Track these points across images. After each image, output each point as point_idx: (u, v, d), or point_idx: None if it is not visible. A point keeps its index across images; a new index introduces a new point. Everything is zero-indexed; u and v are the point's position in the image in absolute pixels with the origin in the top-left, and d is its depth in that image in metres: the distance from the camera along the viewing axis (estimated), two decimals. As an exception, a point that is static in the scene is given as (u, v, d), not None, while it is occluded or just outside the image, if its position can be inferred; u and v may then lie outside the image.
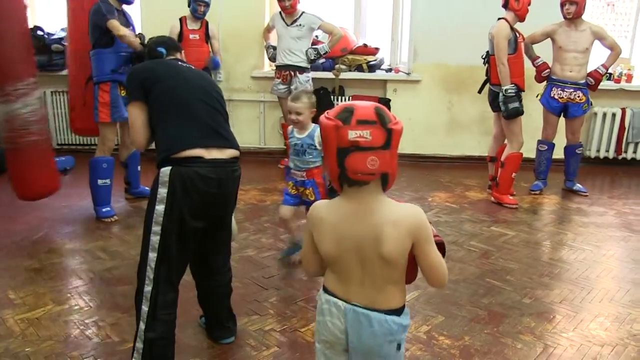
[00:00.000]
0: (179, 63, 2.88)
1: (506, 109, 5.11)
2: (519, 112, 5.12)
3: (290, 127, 3.79)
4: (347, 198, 1.69)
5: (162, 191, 2.46)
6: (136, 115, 2.66)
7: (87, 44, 4.62)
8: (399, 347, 1.79)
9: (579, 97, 5.52)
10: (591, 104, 5.70)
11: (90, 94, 4.66)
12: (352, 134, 1.58)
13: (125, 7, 4.76)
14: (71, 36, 4.94)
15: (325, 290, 1.80)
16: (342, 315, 1.74)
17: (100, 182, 4.69)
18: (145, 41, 4.56)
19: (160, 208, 2.47)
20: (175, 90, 2.64)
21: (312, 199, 3.64)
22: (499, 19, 5.21)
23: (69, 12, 4.87)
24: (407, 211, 1.68)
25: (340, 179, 1.64)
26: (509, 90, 5.08)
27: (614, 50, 5.56)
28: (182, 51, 3.13)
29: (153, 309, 2.49)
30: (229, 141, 2.64)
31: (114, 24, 4.41)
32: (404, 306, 1.80)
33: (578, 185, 5.88)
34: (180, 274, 2.63)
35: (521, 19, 5.20)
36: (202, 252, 2.78)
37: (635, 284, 3.81)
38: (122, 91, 4.63)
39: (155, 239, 2.50)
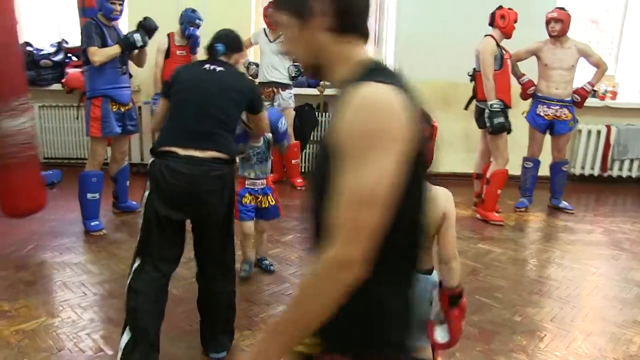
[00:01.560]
0: (207, 67, 2.94)
1: (492, 124, 5.08)
2: (504, 127, 5.10)
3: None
4: None
5: (148, 180, 2.74)
6: (160, 107, 3.04)
7: None
8: (431, 303, 2.17)
9: (565, 114, 5.52)
10: (577, 121, 5.70)
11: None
12: None
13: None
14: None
15: None
16: None
17: (89, 196, 4.62)
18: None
19: (145, 194, 2.76)
20: (181, 93, 2.88)
21: (273, 203, 3.85)
22: (486, 35, 5.19)
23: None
24: (438, 191, 2.07)
25: None
26: (494, 105, 5.05)
27: (600, 68, 5.57)
28: (242, 51, 3.21)
29: (132, 279, 2.73)
30: (213, 143, 2.74)
31: (92, 51, 4.40)
32: (433, 269, 2.24)
33: (564, 202, 5.85)
34: (165, 261, 2.76)
35: (507, 36, 5.20)
36: (197, 257, 2.93)
37: (626, 303, 3.76)
38: (114, 106, 4.62)
39: (140, 222, 2.79)
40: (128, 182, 5.22)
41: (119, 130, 4.69)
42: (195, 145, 2.70)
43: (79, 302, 3.50)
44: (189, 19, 5.56)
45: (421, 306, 2.05)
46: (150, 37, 4.77)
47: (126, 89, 4.72)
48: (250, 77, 6.21)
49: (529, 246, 4.88)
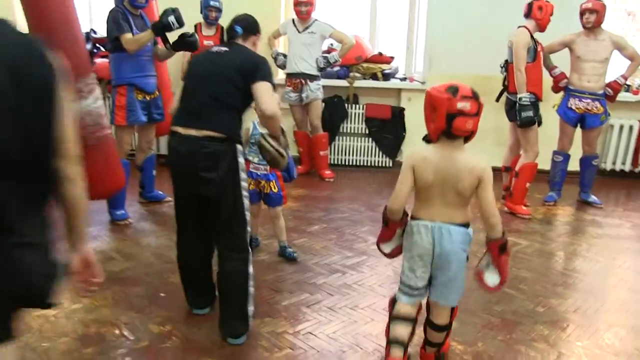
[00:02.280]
0: (216, 50, 3.07)
1: (520, 117, 5.09)
2: (532, 121, 5.11)
3: (252, 123, 3.92)
4: (442, 146, 2.47)
5: None
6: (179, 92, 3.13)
7: None
8: (467, 258, 2.60)
9: (596, 107, 5.47)
10: (609, 115, 5.65)
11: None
12: (460, 105, 2.35)
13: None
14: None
15: (414, 218, 2.58)
16: (429, 232, 2.51)
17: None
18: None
19: None
20: (190, 77, 3.08)
21: (275, 190, 3.95)
22: (519, 27, 5.20)
23: None
24: (479, 162, 2.47)
25: (443, 133, 2.42)
26: (524, 99, 5.06)
27: (634, 61, 5.48)
28: (259, 34, 3.25)
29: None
30: (208, 122, 2.85)
31: (126, 39, 4.47)
32: (469, 223, 2.57)
33: (593, 197, 5.83)
34: (186, 231, 3.18)
35: (542, 28, 5.18)
36: (211, 236, 3.12)
37: (651, 297, 3.77)
38: (139, 95, 4.69)
39: None
40: (155, 172, 5.30)
41: (144, 119, 4.75)
42: (193, 124, 2.85)
43: (101, 289, 3.47)
44: (206, 4, 5.65)
45: (448, 249, 2.51)
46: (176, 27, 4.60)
47: (152, 78, 4.78)
48: (278, 66, 6.35)
49: (555, 239, 4.88)
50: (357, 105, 6.83)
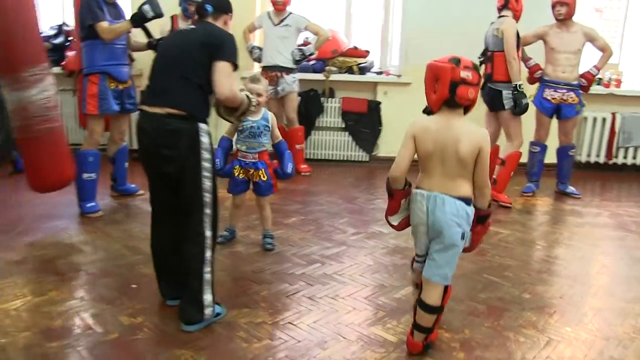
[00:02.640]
0: (184, 29, 3.09)
1: (518, 104, 5.09)
2: (527, 107, 5.17)
3: None
4: (442, 116, 2.54)
5: None
6: None
7: None
8: (462, 236, 2.58)
9: (571, 98, 5.47)
10: (584, 105, 5.64)
11: (80, 85, 4.55)
12: (463, 74, 2.46)
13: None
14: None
15: (417, 188, 2.62)
16: (425, 200, 2.56)
17: (85, 175, 4.51)
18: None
19: None
20: (157, 56, 3.01)
21: (265, 179, 3.87)
22: (501, 16, 5.21)
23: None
24: (478, 129, 2.57)
25: (445, 102, 2.50)
26: (522, 86, 5.10)
27: (606, 52, 5.54)
28: (231, 13, 3.15)
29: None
30: (170, 100, 2.80)
31: (102, 27, 4.31)
32: (470, 200, 2.58)
33: (571, 187, 5.80)
34: (158, 216, 3.10)
35: (517, 19, 5.18)
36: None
37: (634, 280, 3.72)
38: (112, 84, 4.53)
39: None
40: (127, 164, 5.11)
41: (116, 108, 4.58)
42: (157, 102, 2.82)
43: (68, 281, 3.40)
44: None
45: (439, 218, 2.54)
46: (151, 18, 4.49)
47: (125, 66, 4.62)
48: (254, 59, 6.23)
49: (536, 228, 4.83)
50: (333, 99, 6.72)
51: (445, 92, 2.47)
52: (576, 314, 3.22)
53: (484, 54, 5.36)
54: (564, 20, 5.41)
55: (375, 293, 3.37)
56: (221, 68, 2.80)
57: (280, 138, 3.97)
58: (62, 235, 4.14)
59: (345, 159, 6.86)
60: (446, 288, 2.67)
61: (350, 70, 6.73)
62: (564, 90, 5.45)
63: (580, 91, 5.53)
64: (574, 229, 4.77)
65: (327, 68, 6.66)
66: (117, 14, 4.60)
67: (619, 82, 6.88)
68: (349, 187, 5.82)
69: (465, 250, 2.69)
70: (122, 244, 3.98)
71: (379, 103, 6.71)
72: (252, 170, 3.86)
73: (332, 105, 6.71)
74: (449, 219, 2.53)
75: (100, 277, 3.45)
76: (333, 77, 6.67)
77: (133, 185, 5.16)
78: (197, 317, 2.86)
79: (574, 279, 3.70)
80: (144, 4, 4.37)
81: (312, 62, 6.69)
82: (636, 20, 7.14)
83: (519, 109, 5.10)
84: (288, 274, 3.59)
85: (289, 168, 3.89)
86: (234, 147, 3.92)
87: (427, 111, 2.62)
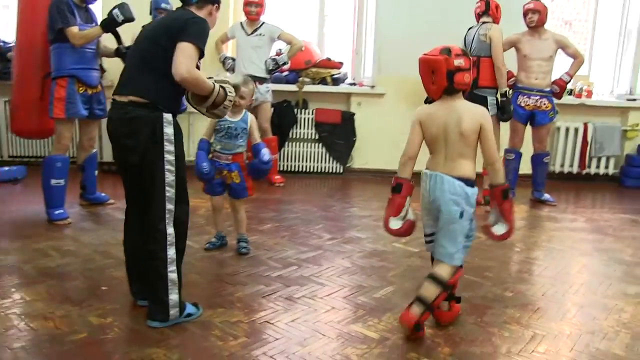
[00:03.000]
0: (162, 16, 3.01)
1: (507, 111, 5.17)
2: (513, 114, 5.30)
3: None
4: (444, 102, 2.70)
5: None
6: None
7: (35, 40, 4.52)
8: (461, 215, 2.69)
9: (545, 104, 5.49)
10: (557, 112, 5.67)
11: (48, 89, 4.41)
12: (457, 62, 2.62)
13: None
14: (20, 31, 4.71)
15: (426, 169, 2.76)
16: (427, 179, 2.73)
17: (53, 182, 4.35)
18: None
19: None
20: (134, 42, 2.90)
21: (238, 181, 3.74)
22: (485, 23, 5.26)
23: (19, 8, 4.69)
24: (477, 107, 2.75)
25: (445, 90, 2.66)
26: (510, 92, 5.21)
27: (577, 59, 5.58)
28: (217, 5, 2.94)
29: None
30: (132, 87, 2.70)
31: (73, 33, 4.23)
32: (473, 182, 2.72)
33: (546, 195, 5.79)
34: (129, 212, 2.97)
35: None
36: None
37: (615, 279, 3.68)
38: (80, 88, 4.40)
39: None
40: (97, 172, 4.97)
41: (85, 112, 4.45)
42: (122, 91, 2.73)
43: (33, 283, 3.21)
44: (156, 5, 5.40)
45: (438, 197, 2.69)
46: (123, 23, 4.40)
47: (95, 71, 4.51)
48: (227, 70, 6.15)
49: (514, 232, 4.78)
50: (307, 110, 6.65)
51: (444, 81, 2.63)
52: (559, 310, 3.16)
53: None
54: (536, 27, 5.45)
55: (354, 293, 3.27)
56: (181, 48, 2.58)
57: (259, 141, 3.82)
58: (27, 241, 3.95)
59: (319, 170, 6.78)
60: (457, 269, 2.78)
61: (323, 81, 6.68)
62: (537, 97, 5.48)
63: (553, 98, 5.56)
64: (551, 233, 4.74)
65: (300, 79, 6.61)
66: (89, 17, 4.51)
67: (589, 93, 6.96)
68: (324, 196, 5.74)
69: (504, 236, 2.79)
70: (92, 249, 3.82)
71: (353, 114, 6.66)
72: (225, 172, 3.73)
73: (306, 117, 6.64)
74: (447, 197, 2.66)
75: (68, 280, 3.30)
76: (306, 88, 6.61)
77: (103, 195, 5.00)
78: (160, 317, 2.72)
79: (555, 278, 3.65)
80: (114, 8, 4.29)
81: (285, 73, 6.64)
82: (604, 32, 7.25)
83: (507, 115, 5.14)
84: (264, 276, 3.47)
85: (266, 155, 3.70)
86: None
87: (429, 101, 2.79)
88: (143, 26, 3.06)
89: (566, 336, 2.83)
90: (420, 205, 2.84)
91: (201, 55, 2.68)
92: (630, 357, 2.66)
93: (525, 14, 5.48)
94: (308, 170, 6.77)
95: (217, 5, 2.96)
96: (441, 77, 2.63)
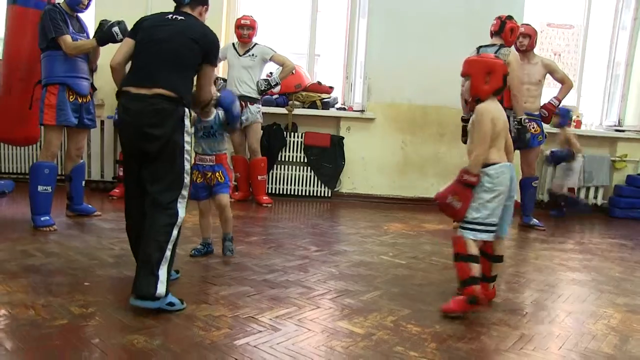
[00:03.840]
0: (169, 17, 3.06)
1: (522, 139, 5.21)
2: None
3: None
4: (493, 101, 3.04)
5: None
6: (124, 44, 3.09)
7: (22, 50, 4.62)
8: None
9: (533, 128, 5.53)
10: (545, 137, 5.71)
11: (38, 96, 4.41)
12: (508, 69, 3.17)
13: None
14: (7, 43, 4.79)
15: (491, 164, 2.98)
16: (509, 170, 3.02)
17: (40, 188, 4.29)
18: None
19: None
20: (141, 39, 3.00)
21: (222, 180, 3.76)
22: (503, 46, 5.10)
23: (7, 19, 4.77)
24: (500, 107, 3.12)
25: (497, 91, 3.02)
26: (526, 120, 5.27)
27: (565, 83, 5.67)
28: (206, 6, 3.23)
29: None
30: (159, 81, 2.85)
31: (67, 42, 4.28)
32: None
33: (534, 220, 5.78)
34: (132, 200, 3.01)
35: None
36: (140, 188, 2.92)
37: (604, 291, 3.64)
38: (71, 96, 4.40)
39: None
40: (84, 183, 4.91)
41: (75, 120, 4.44)
42: (144, 83, 2.85)
43: (16, 278, 3.14)
44: None
45: (515, 183, 3.12)
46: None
47: (85, 80, 4.50)
48: (217, 91, 6.16)
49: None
50: (296, 134, 6.67)
51: (500, 82, 3.00)
52: (548, 315, 3.12)
53: None
54: (525, 52, 5.54)
55: (340, 295, 3.22)
56: (208, 74, 3.12)
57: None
58: (12, 243, 3.87)
59: (307, 194, 6.75)
60: None
61: (313, 105, 6.72)
62: (527, 121, 5.50)
63: (542, 122, 5.61)
64: (540, 252, 4.71)
65: (290, 102, 6.65)
66: (80, 27, 4.54)
67: (579, 123, 7.04)
68: (312, 215, 5.71)
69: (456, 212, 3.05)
70: (77, 252, 3.76)
71: (342, 138, 6.68)
72: (209, 174, 3.76)
73: (295, 140, 6.66)
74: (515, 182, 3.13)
75: (51, 277, 3.23)
76: (296, 111, 6.65)
77: (90, 206, 4.94)
78: (147, 290, 2.68)
79: (544, 289, 3.62)
80: (113, 25, 4.31)
81: (275, 96, 6.67)
82: (593, 63, 7.39)
83: (522, 143, 5.14)
84: (249, 279, 3.41)
85: (227, 100, 3.66)
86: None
87: (479, 100, 3.02)
88: (143, 19, 3.11)
89: (555, 336, 2.79)
90: (490, 198, 2.97)
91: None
92: (620, 356, 2.61)
93: (516, 38, 5.54)
94: (296, 193, 6.74)
95: (206, 7, 3.24)
96: (498, 79, 2.98)
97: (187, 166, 2.91)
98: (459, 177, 3.00)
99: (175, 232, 2.81)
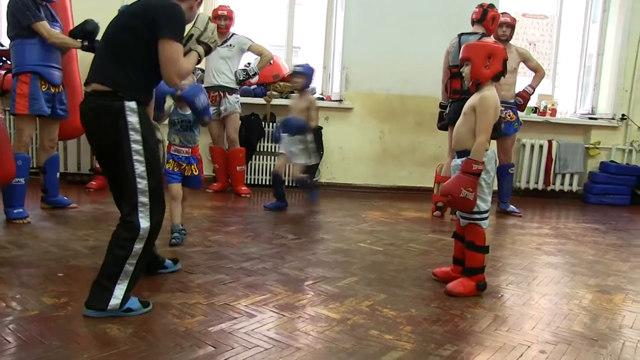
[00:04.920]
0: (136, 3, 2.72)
1: (498, 128, 5.09)
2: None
3: (172, 104, 3.80)
4: (493, 87, 3.11)
5: None
6: None
7: None
8: None
9: (509, 115, 5.58)
10: (521, 124, 5.76)
11: (8, 85, 4.37)
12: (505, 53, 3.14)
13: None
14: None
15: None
16: (494, 155, 3.15)
17: (13, 180, 4.17)
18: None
19: None
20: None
21: (197, 173, 3.84)
22: (474, 34, 5.06)
23: None
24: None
25: (497, 76, 3.07)
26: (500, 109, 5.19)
27: (539, 72, 5.73)
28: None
29: None
30: (95, 76, 2.61)
31: (46, 28, 4.21)
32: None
33: (512, 206, 5.84)
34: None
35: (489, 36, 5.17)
36: None
37: (577, 273, 3.70)
38: (43, 85, 4.33)
39: None
40: (59, 175, 4.85)
41: (48, 110, 4.37)
42: (87, 80, 2.64)
43: None
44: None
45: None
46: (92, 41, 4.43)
47: (58, 70, 4.43)
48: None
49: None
50: (274, 124, 6.64)
51: (500, 67, 3.05)
52: (523, 297, 3.16)
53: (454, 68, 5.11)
54: (505, 41, 5.58)
55: (317, 282, 3.22)
56: (166, 50, 2.54)
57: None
58: (-18, 237, 3.83)
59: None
60: None
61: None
62: (502, 108, 5.48)
63: (517, 109, 5.66)
64: (516, 237, 4.76)
65: (268, 92, 6.63)
66: (52, 16, 4.47)
67: (553, 111, 7.10)
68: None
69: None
70: (50, 244, 3.72)
71: (321, 128, 6.68)
72: (184, 165, 3.81)
73: (273, 130, 6.62)
74: None
75: (24, 268, 3.18)
76: (274, 101, 6.63)
77: (66, 198, 4.88)
78: (96, 304, 2.51)
79: (520, 272, 3.66)
80: (92, 24, 4.38)
81: (253, 87, 6.66)
82: (567, 53, 7.47)
83: (497, 132, 5.13)
84: (225, 267, 3.40)
85: (188, 93, 3.59)
86: (166, 140, 3.84)
87: (478, 85, 3.06)
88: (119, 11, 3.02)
89: (529, 317, 2.83)
90: (485, 184, 3.09)
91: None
92: (588, 333, 2.66)
93: (498, 26, 5.55)
94: (276, 183, 6.72)
95: (199, 0, 2.87)
96: (498, 63, 3.03)
97: (141, 168, 2.53)
98: (466, 169, 2.99)
99: (137, 247, 2.53)
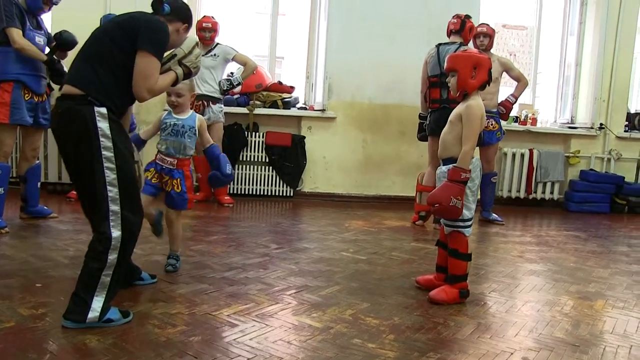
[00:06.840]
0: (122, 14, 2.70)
1: (481, 136, 5.16)
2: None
3: (164, 113, 3.45)
4: (478, 96, 3.14)
5: None
6: None
7: None
8: None
9: (492, 124, 5.62)
10: (504, 133, 5.80)
11: None
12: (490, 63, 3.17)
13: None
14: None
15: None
16: (479, 163, 3.25)
17: None
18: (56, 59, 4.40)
19: None
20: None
21: (178, 190, 3.34)
22: (452, 43, 5.11)
23: None
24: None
25: (483, 85, 3.10)
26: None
27: (521, 81, 5.77)
28: (186, 25, 2.82)
29: None
30: (70, 79, 2.56)
31: (16, 34, 4.13)
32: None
33: (494, 215, 5.87)
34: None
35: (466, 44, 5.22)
36: None
37: (560, 281, 3.72)
38: (27, 94, 4.29)
39: None
40: (39, 184, 4.78)
41: (30, 120, 4.32)
42: (62, 83, 2.63)
43: None
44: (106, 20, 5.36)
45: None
46: (69, 50, 4.49)
47: (42, 79, 4.39)
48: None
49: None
50: (257, 133, 6.64)
51: (485, 76, 3.07)
52: (506, 304, 3.16)
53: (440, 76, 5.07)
54: (485, 51, 5.62)
55: (300, 291, 3.20)
56: (140, 63, 2.52)
57: (212, 142, 3.51)
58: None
59: (269, 193, 6.73)
60: None
61: (274, 105, 6.71)
62: (485, 118, 5.57)
63: (500, 119, 5.70)
64: (499, 245, 4.78)
65: (251, 102, 6.62)
66: (38, 24, 4.43)
67: (534, 120, 7.17)
68: (273, 215, 5.69)
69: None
70: (29, 254, 3.66)
71: (304, 137, 6.68)
72: (166, 178, 3.35)
73: (256, 140, 6.63)
74: None
75: (1, 279, 3.12)
76: (257, 111, 6.63)
77: (46, 208, 4.82)
78: (77, 317, 2.47)
79: (502, 280, 3.67)
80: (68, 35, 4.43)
81: (236, 96, 6.64)
82: (546, 63, 7.56)
83: (479, 141, 5.16)
84: (208, 277, 3.37)
85: (227, 168, 3.44)
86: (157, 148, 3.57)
87: (465, 95, 3.10)
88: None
89: (512, 325, 2.83)
90: (470, 192, 3.11)
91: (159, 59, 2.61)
92: (570, 339, 2.68)
93: (476, 36, 5.62)
94: (258, 193, 6.72)
95: (186, 25, 2.84)
96: (484, 73, 3.06)
97: (112, 176, 2.47)
98: (454, 177, 2.98)
99: (111, 257, 2.48)
